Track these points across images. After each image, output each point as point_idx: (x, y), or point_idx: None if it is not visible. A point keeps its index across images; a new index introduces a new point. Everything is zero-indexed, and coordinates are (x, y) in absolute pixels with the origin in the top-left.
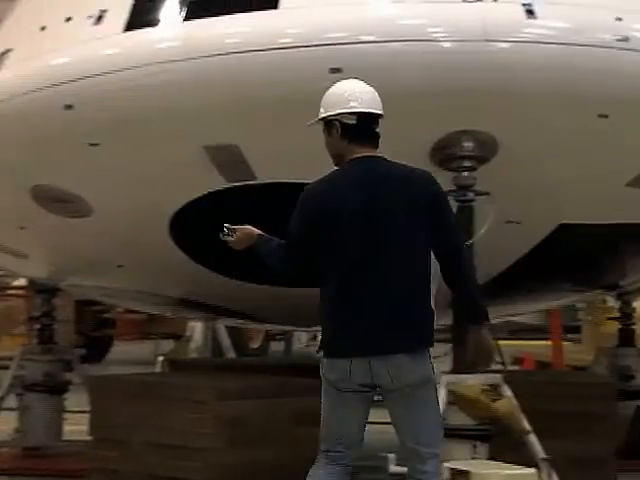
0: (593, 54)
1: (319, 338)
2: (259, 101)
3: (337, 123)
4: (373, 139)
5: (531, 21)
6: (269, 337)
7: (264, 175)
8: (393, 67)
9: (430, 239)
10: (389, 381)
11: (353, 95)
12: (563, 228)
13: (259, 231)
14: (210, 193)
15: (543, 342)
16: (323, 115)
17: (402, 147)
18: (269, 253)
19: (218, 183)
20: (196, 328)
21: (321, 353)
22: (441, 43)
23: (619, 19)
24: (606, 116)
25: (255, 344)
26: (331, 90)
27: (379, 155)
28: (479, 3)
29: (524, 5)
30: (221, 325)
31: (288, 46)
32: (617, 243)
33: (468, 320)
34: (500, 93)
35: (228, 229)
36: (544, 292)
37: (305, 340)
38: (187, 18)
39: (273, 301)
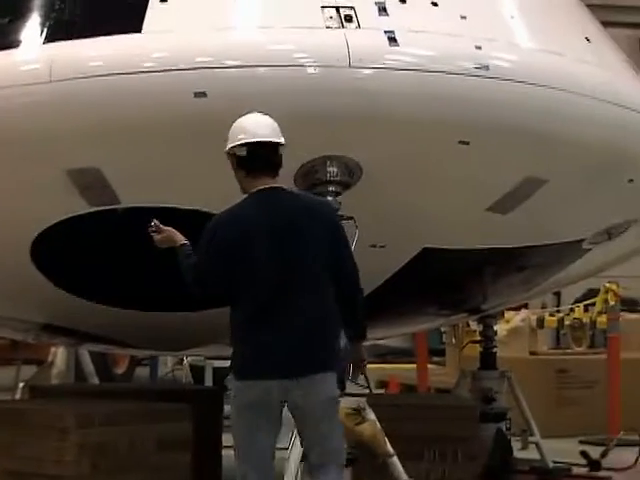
0: (454, 82)
1: (185, 362)
2: (122, 125)
3: (232, 156)
4: (268, 168)
5: (393, 48)
6: (135, 362)
7: (128, 199)
8: (258, 92)
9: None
10: (302, 400)
11: (242, 128)
12: (426, 252)
13: (183, 240)
14: (73, 217)
15: (409, 365)
16: (225, 150)
17: None
18: (185, 267)
19: (81, 207)
20: (58, 354)
21: (231, 377)
22: (306, 68)
23: (479, 47)
24: (467, 143)
25: (120, 369)
26: (236, 122)
27: (278, 186)
28: (343, 30)
29: (386, 32)
30: (84, 350)
31: (152, 70)
32: (479, 267)
33: (356, 338)
34: (363, 119)
35: (155, 225)
36: (410, 315)
37: (171, 365)
38: (48, 40)
39: (138, 325)
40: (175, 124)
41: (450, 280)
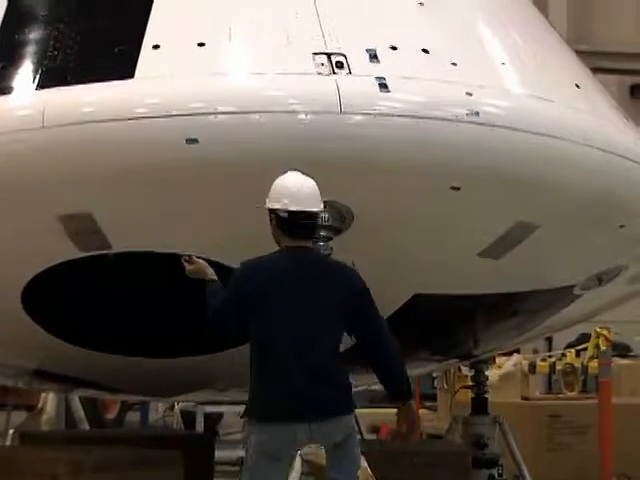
0: (445, 128)
1: (177, 408)
2: (114, 170)
3: (273, 215)
4: (305, 233)
5: (385, 94)
6: (125, 407)
7: (120, 244)
8: (251, 138)
9: (352, 329)
10: (324, 441)
11: (287, 191)
12: (418, 298)
13: (214, 275)
14: (64, 262)
15: None
16: (266, 205)
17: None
18: (212, 302)
19: (72, 252)
20: (48, 399)
21: (246, 420)
22: (297, 114)
23: (469, 94)
24: (458, 188)
25: (111, 414)
26: (277, 181)
27: (309, 247)
28: (334, 76)
29: (378, 79)
30: (75, 396)
31: (143, 116)
32: (471, 313)
33: (398, 398)
34: (355, 165)
35: (189, 257)
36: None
37: (162, 410)
38: (41, 86)
39: (129, 371)
40: (167, 170)
41: (442, 326)
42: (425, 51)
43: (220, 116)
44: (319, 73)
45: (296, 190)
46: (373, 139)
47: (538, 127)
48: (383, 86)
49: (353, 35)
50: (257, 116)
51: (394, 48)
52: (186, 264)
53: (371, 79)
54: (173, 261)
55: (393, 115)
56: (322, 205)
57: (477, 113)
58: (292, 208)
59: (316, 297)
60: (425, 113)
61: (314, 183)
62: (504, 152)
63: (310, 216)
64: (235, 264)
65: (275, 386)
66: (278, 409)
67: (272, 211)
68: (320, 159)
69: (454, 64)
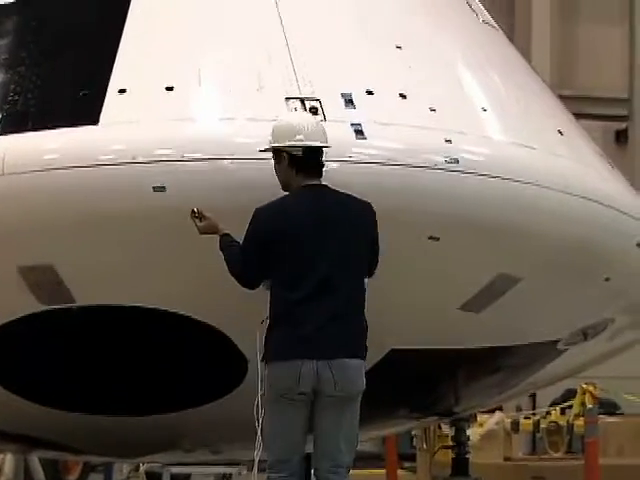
0: (424, 175)
1: (142, 469)
2: (77, 220)
3: (285, 154)
4: (318, 169)
5: (361, 141)
6: (88, 468)
7: (84, 298)
8: (219, 186)
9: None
10: (332, 387)
11: (299, 128)
12: (395, 354)
13: (225, 229)
14: (24, 316)
15: (378, 470)
16: (273, 145)
17: None
18: (228, 257)
19: (32, 306)
20: (6, 461)
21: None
22: (269, 162)
23: (448, 141)
24: (437, 238)
25: (72, 476)
26: (280, 121)
27: (324, 184)
28: None
29: (353, 125)
30: (34, 457)
31: (108, 163)
32: (451, 369)
33: None
34: None
35: (198, 211)
36: (380, 419)
37: (126, 472)
38: (1, 132)
39: (90, 430)
40: (133, 219)
41: (421, 382)
42: (402, 96)
43: (188, 163)
44: None
45: (307, 125)
46: (348, 187)
47: (518, 174)
48: (359, 132)
49: (328, 79)
50: (227, 163)
51: (370, 93)
52: (196, 220)
53: (346, 125)
54: (140, 315)
55: (370, 162)
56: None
57: (456, 160)
58: (309, 143)
59: (340, 241)
60: (402, 160)
61: (318, 119)
62: (484, 200)
63: (319, 153)
64: (206, 317)
65: (286, 329)
66: (285, 349)
67: (281, 152)
68: None
69: (433, 109)
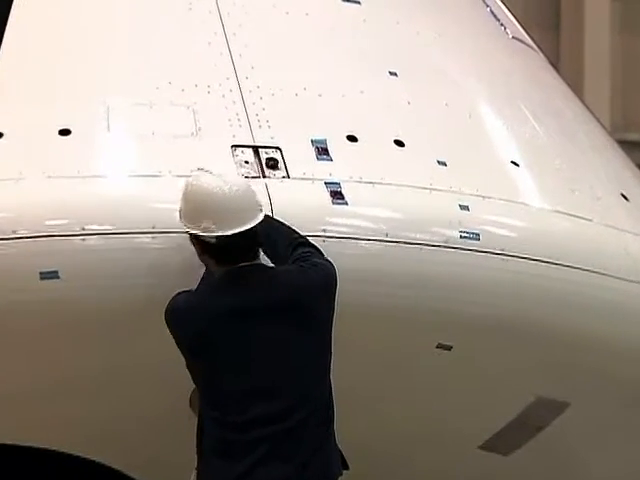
0: (431, 258)
1: None
2: None
3: (194, 240)
4: (246, 254)
5: (339, 208)
6: None
7: None
8: (136, 270)
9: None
10: None
11: (210, 210)
12: None
13: None
14: None
15: None
16: (182, 225)
17: None
18: None
19: None
20: None
21: None
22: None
23: (465, 207)
24: (449, 347)
25: None
26: (189, 189)
27: (259, 264)
28: (264, 180)
29: (328, 185)
30: None
31: None
32: None
33: None
34: None
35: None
36: None
37: None
38: None
39: None
40: (10, 320)
41: None
42: (399, 143)
43: (91, 238)
44: (242, 176)
45: (220, 202)
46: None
47: (568, 257)
48: (337, 195)
49: (292, 118)
50: (145, 238)
51: (353, 139)
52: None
53: (319, 185)
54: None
55: (352, 238)
56: (262, 214)
57: (477, 236)
58: (219, 233)
59: (278, 335)
60: (400, 236)
61: (243, 182)
62: (517, 293)
63: (247, 234)
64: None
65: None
66: None
67: (191, 236)
68: None
69: (442, 163)
